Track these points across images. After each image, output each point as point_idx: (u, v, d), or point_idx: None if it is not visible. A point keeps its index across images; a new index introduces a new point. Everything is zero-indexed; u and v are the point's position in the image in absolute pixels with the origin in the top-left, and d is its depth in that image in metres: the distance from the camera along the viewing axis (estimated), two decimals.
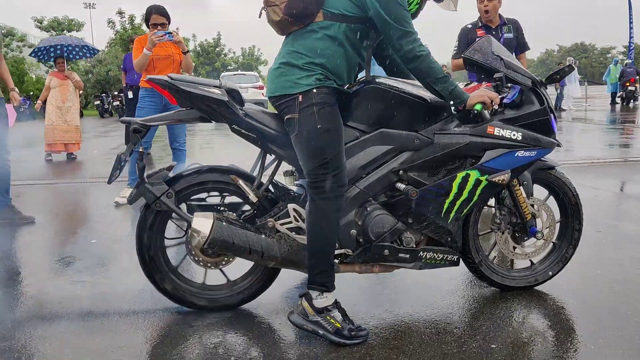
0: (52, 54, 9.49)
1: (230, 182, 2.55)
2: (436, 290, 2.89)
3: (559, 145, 2.63)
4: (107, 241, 4.00)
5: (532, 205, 2.77)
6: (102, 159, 8.80)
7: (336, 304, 2.37)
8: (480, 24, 4.53)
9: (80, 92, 9.78)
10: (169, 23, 5.00)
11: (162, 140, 8.53)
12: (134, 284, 3.01)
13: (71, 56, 9.82)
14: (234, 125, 2.44)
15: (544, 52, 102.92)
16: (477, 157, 2.49)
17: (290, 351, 2.30)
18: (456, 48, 4.57)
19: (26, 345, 2.37)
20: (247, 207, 2.66)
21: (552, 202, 2.87)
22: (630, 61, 21.61)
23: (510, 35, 4.50)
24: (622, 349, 2.22)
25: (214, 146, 11.10)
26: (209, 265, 2.61)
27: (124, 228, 4.42)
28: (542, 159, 2.71)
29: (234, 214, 2.61)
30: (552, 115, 2.55)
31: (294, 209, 2.52)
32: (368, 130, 2.48)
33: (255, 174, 2.61)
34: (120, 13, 32.38)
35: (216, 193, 2.67)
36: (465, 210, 2.54)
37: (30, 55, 10.19)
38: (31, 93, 26.03)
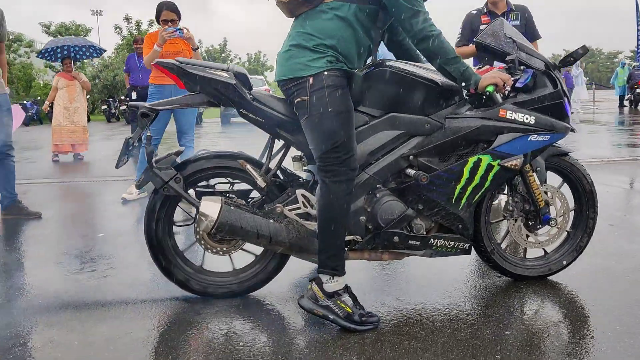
0: (59, 55, 9.51)
1: (239, 168, 2.52)
2: (447, 280, 2.84)
3: (572, 130, 2.58)
4: (114, 234, 3.97)
5: (546, 193, 2.72)
6: (109, 160, 8.80)
7: (347, 289, 2.33)
8: (485, 10, 4.33)
9: (88, 96, 9.81)
10: (180, 19, 5.00)
11: (168, 143, 8.53)
12: (141, 274, 2.98)
13: (78, 56, 9.84)
14: (241, 110, 2.41)
15: (551, 57, 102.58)
16: (489, 142, 2.44)
17: (300, 337, 2.26)
18: (460, 35, 4.39)
19: (33, 331, 2.34)
20: (255, 194, 2.63)
21: (565, 190, 2.82)
22: (638, 64, 21.47)
23: (517, 22, 4.25)
24: None
25: (221, 148, 11.08)
26: (216, 251, 2.58)
27: (131, 223, 4.39)
28: (556, 144, 2.67)
29: (242, 200, 2.58)
30: (565, 99, 2.50)
31: (303, 195, 2.49)
32: (378, 114, 2.44)
33: (263, 160, 2.58)
34: (127, 19, 32.58)
35: (224, 180, 2.65)
36: (477, 197, 2.49)
37: (37, 56, 10.22)
38: (38, 98, 26.16)
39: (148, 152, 2.44)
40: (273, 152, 2.59)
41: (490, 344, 2.13)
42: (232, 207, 2.40)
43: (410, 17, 2.23)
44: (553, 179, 2.78)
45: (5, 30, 4.58)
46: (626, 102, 21.22)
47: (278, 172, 2.57)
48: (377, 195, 2.45)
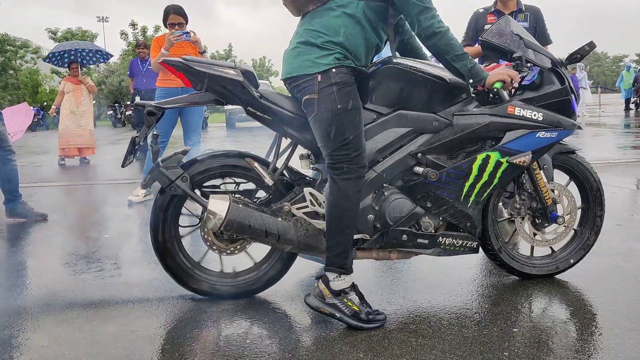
0: (66, 60, 9.55)
1: (245, 166, 2.52)
2: (454, 279, 2.83)
3: (579, 127, 2.57)
4: (120, 235, 3.98)
5: (553, 191, 2.71)
6: (116, 164, 8.81)
7: (353, 287, 2.33)
8: (493, 9, 4.12)
9: (94, 101, 9.85)
10: (187, 23, 5.02)
11: (175, 147, 8.53)
12: (147, 274, 2.98)
13: (85, 62, 9.88)
14: (249, 107, 2.40)
15: None
16: (497, 139, 2.44)
17: (306, 334, 2.25)
18: (464, 35, 4.21)
19: (39, 330, 2.34)
20: (262, 194, 2.62)
21: (572, 188, 2.80)
22: None
23: (526, 24, 4.01)
24: None
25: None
26: (223, 251, 2.57)
27: (137, 224, 4.40)
28: (562, 142, 2.66)
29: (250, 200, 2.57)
30: (572, 96, 2.49)
31: (311, 193, 2.48)
32: (385, 112, 2.44)
33: (269, 159, 2.58)
34: (133, 25, 32.78)
35: (230, 180, 2.64)
36: (485, 194, 2.48)
37: (44, 60, 10.25)
38: (45, 103, 26.30)
39: (154, 150, 2.44)
40: (280, 151, 2.59)
41: (498, 341, 2.12)
42: (241, 205, 2.39)
43: (418, 13, 2.23)
44: (560, 177, 2.77)
45: None
46: (632, 105, 21.15)
47: (284, 172, 2.57)
48: (385, 194, 2.45)
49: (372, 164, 2.42)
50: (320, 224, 2.44)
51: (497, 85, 2.31)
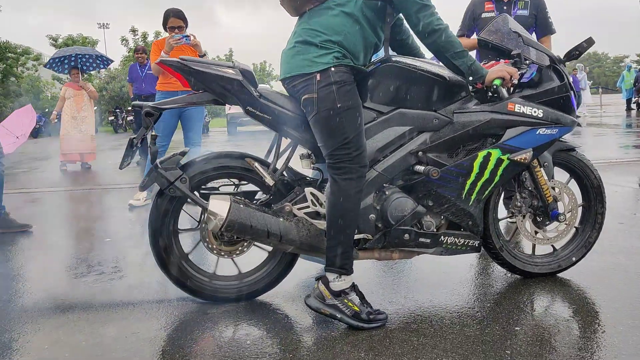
0: (66, 65, 9.57)
1: (245, 167, 2.50)
2: (455, 278, 2.82)
3: (579, 125, 2.57)
4: (121, 239, 3.97)
5: (554, 188, 2.69)
6: (117, 169, 8.80)
7: (354, 287, 2.31)
8: None
9: (95, 107, 9.86)
10: (187, 26, 5.01)
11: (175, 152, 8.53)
12: (148, 276, 2.98)
13: (85, 67, 9.89)
14: (248, 107, 2.39)
15: None
16: (498, 136, 2.43)
17: (307, 335, 2.24)
18: (460, 24, 3.98)
19: (40, 332, 2.33)
20: (261, 196, 2.61)
21: (573, 186, 2.79)
22: None
23: (526, 12, 3.75)
24: None
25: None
26: (223, 253, 2.56)
27: (138, 228, 4.39)
28: (562, 139, 2.65)
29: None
30: (572, 92, 2.49)
31: (312, 193, 2.47)
32: (385, 110, 2.43)
33: (270, 159, 2.57)
34: (134, 31, 32.87)
35: (228, 182, 2.62)
36: (486, 192, 2.47)
37: (45, 66, 10.27)
38: (46, 110, 26.34)
39: (152, 152, 2.42)
40: (280, 151, 2.58)
41: (500, 339, 2.11)
42: (242, 206, 2.38)
43: (417, 10, 2.22)
44: (560, 174, 2.76)
45: None
46: (633, 105, 21.12)
47: (284, 172, 2.55)
48: (387, 193, 2.44)
49: (372, 163, 2.41)
50: (322, 224, 2.43)
51: (497, 82, 2.31)
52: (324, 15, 2.27)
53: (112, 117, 24.76)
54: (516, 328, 2.21)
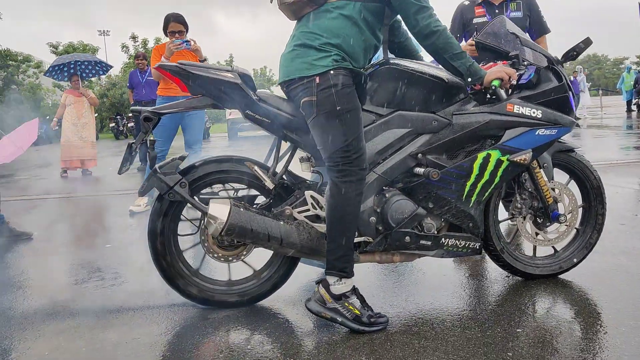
0: (66, 73, 9.58)
1: (245, 171, 2.50)
2: (456, 281, 2.81)
3: (578, 125, 2.56)
4: (121, 245, 3.97)
5: (554, 190, 2.69)
6: (117, 175, 8.82)
7: (354, 291, 2.31)
8: (479, 1, 3.73)
9: (96, 114, 9.87)
10: (187, 31, 5.01)
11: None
12: (148, 282, 2.96)
13: (84, 74, 9.90)
14: (247, 111, 2.39)
15: None
16: (497, 138, 2.43)
17: (308, 339, 2.23)
18: (450, 30, 3.65)
19: (40, 338, 2.33)
20: (262, 200, 2.60)
21: (573, 187, 2.79)
22: None
23: (519, 14, 3.66)
24: None
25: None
26: (223, 258, 2.55)
27: (138, 234, 4.38)
28: (561, 140, 2.65)
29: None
30: (570, 93, 2.49)
31: (312, 196, 2.46)
32: (384, 113, 2.43)
33: (269, 163, 2.56)
34: (134, 38, 32.93)
35: (228, 186, 2.62)
36: (486, 194, 2.47)
37: (45, 74, 10.28)
38: (47, 117, 26.38)
39: (151, 156, 2.43)
40: (279, 155, 2.57)
41: (502, 341, 2.10)
42: (242, 209, 2.37)
43: (416, 12, 2.23)
44: (560, 176, 2.76)
45: None
46: (634, 107, 21.12)
47: (284, 176, 2.55)
48: (387, 195, 2.43)
49: (372, 165, 2.41)
50: (322, 228, 2.42)
51: (495, 83, 2.31)
52: (323, 18, 2.27)
53: (113, 124, 24.80)
54: (518, 330, 2.20)
